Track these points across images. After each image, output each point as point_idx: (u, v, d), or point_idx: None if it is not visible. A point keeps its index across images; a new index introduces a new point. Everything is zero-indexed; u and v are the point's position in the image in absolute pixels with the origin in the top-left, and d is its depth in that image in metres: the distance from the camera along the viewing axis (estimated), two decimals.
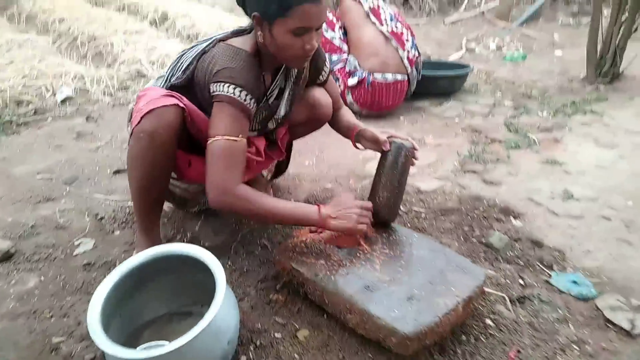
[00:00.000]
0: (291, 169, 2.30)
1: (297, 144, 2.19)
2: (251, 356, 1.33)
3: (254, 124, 1.65)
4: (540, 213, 2.05)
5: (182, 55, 1.58)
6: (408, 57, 2.93)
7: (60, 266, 1.70)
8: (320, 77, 1.74)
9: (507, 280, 1.65)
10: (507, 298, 1.55)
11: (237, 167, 1.39)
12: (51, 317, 1.47)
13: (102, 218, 1.98)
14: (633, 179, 2.32)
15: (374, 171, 1.93)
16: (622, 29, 3.48)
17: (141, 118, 1.39)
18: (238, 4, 1.45)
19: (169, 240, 1.83)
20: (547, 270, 1.70)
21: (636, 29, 3.52)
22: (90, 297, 1.51)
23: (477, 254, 1.79)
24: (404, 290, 1.34)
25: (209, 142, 1.38)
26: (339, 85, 2.98)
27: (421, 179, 2.31)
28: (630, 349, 1.40)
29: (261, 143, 1.73)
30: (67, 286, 1.61)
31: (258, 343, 1.37)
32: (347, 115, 1.86)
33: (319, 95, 1.77)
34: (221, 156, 1.36)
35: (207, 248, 1.70)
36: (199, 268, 1.28)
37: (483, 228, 1.94)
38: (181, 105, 1.42)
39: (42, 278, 1.64)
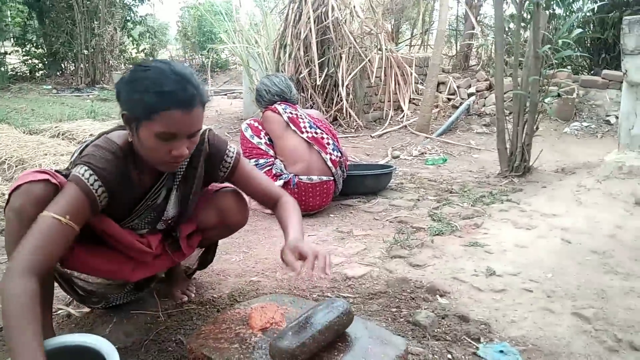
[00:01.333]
0: (216, 265, 2.24)
1: (223, 241, 2.16)
2: None
3: (143, 224, 1.60)
4: (465, 290, 2.06)
5: (73, 155, 1.57)
6: (331, 159, 3.07)
7: None
8: (221, 173, 1.64)
9: (435, 356, 1.60)
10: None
11: (45, 252, 1.23)
12: None
13: None
14: (551, 255, 2.41)
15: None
16: (525, 128, 3.84)
17: (9, 196, 1.32)
18: (117, 100, 1.42)
19: None
20: (475, 343, 1.67)
21: (537, 128, 3.90)
22: None
23: (405, 332, 1.74)
24: None
25: (40, 215, 1.26)
26: None
27: (349, 266, 2.29)
28: None
29: (155, 238, 1.65)
30: None
31: None
32: (285, 216, 1.66)
33: (230, 201, 1.74)
34: (39, 232, 1.23)
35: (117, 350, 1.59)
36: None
37: (410, 308, 1.91)
38: (53, 181, 1.34)
39: None
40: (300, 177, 2.97)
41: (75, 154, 1.52)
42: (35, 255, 1.21)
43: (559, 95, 5.52)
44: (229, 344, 1.37)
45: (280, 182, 2.96)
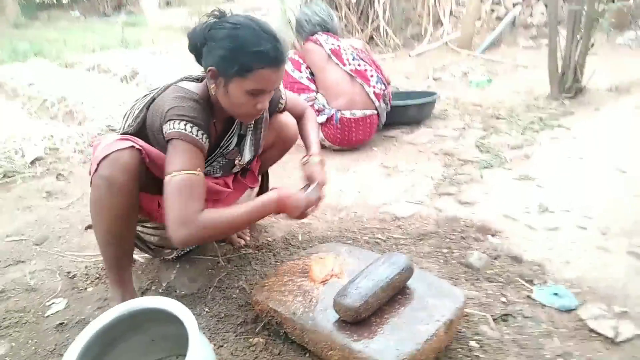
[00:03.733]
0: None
1: (273, 177, 2.19)
2: None
3: (215, 170, 1.64)
4: (517, 228, 2.05)
5: (134, 104, 1.59)
6: (374, 92, 2.98)
7: (31, 330, 1.64)
8: (278, 109, 1.77)
9: (489, 299, 1.63)
10: (489, 317, 1.53)
11: (197, 200, 1.33)
12: None
13: (74, 276, 1.92)
14: (605, 188, 2.35)
15: (348, 203, 1.94)
16: (579, 46, 3.60)
17: (98, 165, 1.38)
18: (190, 51, 1.46)
19: (144, 292, 1.79)
20: (529, 285, 1.69)
21: (592, 45, 3.65)
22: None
23: (458, 275, 1.77)
24: (384, 320, 1.31)
25: (166, 179, 1.34)
26: None
27: (397, 205, 2.31)
28: (617, 355, 1.38)
29: (229, 177, 1.73)
30: (39, 350, 1.54)
31: None
32: (308, 128, 1.85)
33: (284, 117, 1.80)
34: (180, 190, 1.31)
35: (183, 296, 1.70)
36: (170, 320, 1.24)
37: (462, 249, 1.93)
38: (137, 146, 1.40)
39: (13, 344, 1.58)
40: (343, 112, 2.92)
41: (140, 109, 1.51)
42: (195, 203, 1.31)
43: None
44: (293, 297, 1.43)
45: (323, 118, 2.93)
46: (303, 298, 1.42)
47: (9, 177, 2.95)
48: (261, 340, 1.48)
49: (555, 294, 1.63)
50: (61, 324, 1.65)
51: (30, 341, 1.58)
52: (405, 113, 3.37)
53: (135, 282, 1.81)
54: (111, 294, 1.58)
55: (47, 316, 1.70)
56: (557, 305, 1.59)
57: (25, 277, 1.92)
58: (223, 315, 1.61)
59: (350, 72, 2.95)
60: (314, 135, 1.82)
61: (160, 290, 1.78)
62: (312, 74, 3.05)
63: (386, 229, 2.11)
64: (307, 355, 1.40)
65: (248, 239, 2.07)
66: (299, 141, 1.91)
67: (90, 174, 1.43)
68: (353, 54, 3.00)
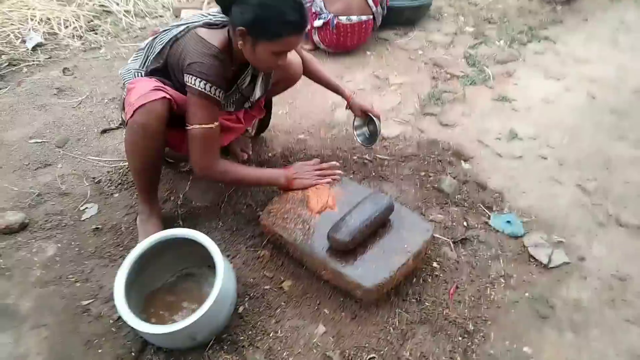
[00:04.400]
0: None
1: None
2: (247, 306, 1.67)
3: (229, 104, 1.84)
4: (487, 155, 2.35)
5: (155, 38, 1.74)
6: None
7: (72, 232, 1.96)
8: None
9: (454, 223, 1.99)
10: (450, 242, 1.89)
11: (213, 148, 1.68)
12: (76, 281, 1.76)
13: (99, 181, 2.20)
14: (573, 114, 2.61)
15: (341, 120, 2.20)
16: None
17: (134, 112, 1.59)
18: (217, 2, 1.57)
19: (164, 202, 2.09)
20: (488, 212, 2.04)
21: None
22: (105, 261, 1.84)
23: (430, 199, 2.10)
24: (366, 250, 1.66)
25: (188, 128, 1.61)
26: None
27: (386, 124, 2.55)
28: (545, 279, 1.78)
29: (241, 112, 1.94)
30: (82, 252, 1.88)
31: (251, 295, 1.70)
32: (325, 74, 2.15)
33: (290, 56, 1.93)
34: (199, 141, 1.63)
35: (199, 208, 2.00)
36: (193, 243, 1.58)
37: (437, 172, 2.24)
38: (167, 97, 1.61)
39: (59, 245, 1.91)
40: (340, 17, 2.97)
41: (163, 45, 1.67)
42: (210, 154, 1.67)
43: None
44: (294, 225, 1.75)
45: (320, 23, 2.99)
46: (302, 226, 1.74)
47: (14, 65, 3.04)
48: (267, 253, 1.84)
49: (508, 222, 1.99)
50: (97, 228, 1.97)
51: (72, 243, 1.92)
52: (401, 15, 3.41)
53: None
54: (141, 208, 1.89)
55: (83, 220, 2.01)
56: (507, 232, 1.95)
57: (56, 181, 2.19)
58: (234, 229, 1.95)
59: None
60: (333, 78, 2.17)
61: (178, 202, 2.08)
62: None
63: (373, 148, 2.38)
64: (304, 268, 1.77)
65: (250, 153, 2.32)
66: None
67: (125, 116, 1.64)
68: None
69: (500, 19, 3.59)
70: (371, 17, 3.08)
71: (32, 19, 3.34)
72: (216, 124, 1.64)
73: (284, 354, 1.53)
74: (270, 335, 1.58)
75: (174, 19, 3.56)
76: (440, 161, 2.31)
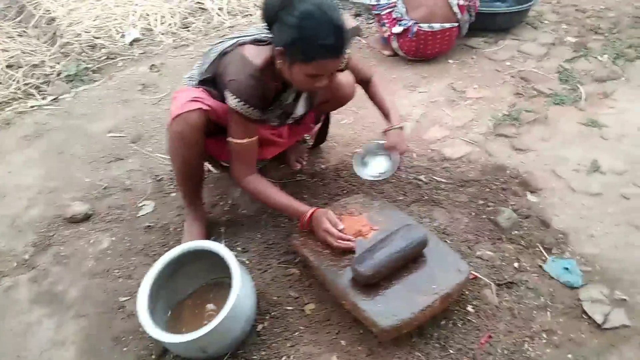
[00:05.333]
0: (330, 128, 2.47)
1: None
2: (266, 325, 1.67)
3: (272, 119, 1.84)
4: (558, 188, 2.11)
5: (209, 51, 1.79)
6: (458, 4, 2.82)
7: (127, 227, 2.10)
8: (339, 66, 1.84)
9: (503, 263, 1.82)
10: (493, 285, 1.73)
11: (246, 162, 1.74)
12: (119, 277, 1.89)
13: (161, 179, 2.33)
14: None
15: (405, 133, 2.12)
16: None
17: (172, 120, 1.68)
18: (263, 19, 1.55)
19: (214, 206, 2.16)
20: (546, 254, 1.84)
21: None
22: (149, 260, 1.93)
23: (483, 232, 1.94)
24: (391, 285, 1.58)
25: (228, 139, 1.68)
26: (385, 30, 2.97)
27: (451, 142, 2.39)
28: (596, 340, 1.57)
29: (285, 128, 1.94)
30: (132, 247, 2.01)
31: (273, 314, 1.70)
32: (381, 95, 2.00)
33: (341, 77, 1.88)
34: (234, 154, 1.71)
35: (244, 216, 2.03)
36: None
37: (498, 202, 2.06)
38: (204, 107, 1.67)
39: (114, 239, 2.05)
40: (421, 25, 2.83)
41: (215, 57, 1.71)
42: (243, 166, 1.74)
43: None
44: (322, 248, 1.72)
45: (399, 29, 2.87)
46: (330, 251, 1.70)
47: (112, 58, 3.32)
48: (297, 271, 1.83)
49: (566, 269, 1.78)
50: (149, 226, 2.09)
51: (125, 238, 2.05)
52: (493, 21, 3.17)
53: (207, 196, 2.19)
54: (186, 211, 1.97)
55: (139, 216, 2.15)
56: (563, 280, 1.75)
57: (123, 176, 2.35)
58: (271, 242, 1.95)
59: None
60: (390, 103, 1.99)
61: (225, 208, 2.14)
62: None
63: (432, 169, 2.25)
64: (329, 292, 1.73)
65: (304, 163, 2.31)
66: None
67: (167, 125, 1.72)
68: None
69: (610, 29, 3.19)
70: (456, 24, 2.90)
71: (133, 15, 3.60)
72: (249, 140, 1.68)
73: None
74: (283, 359, 1.57)
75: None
76: (504, 190, 2.12)
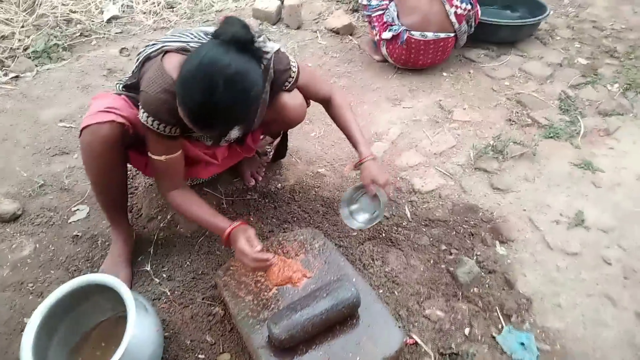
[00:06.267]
0: (296, 141, 2.26)
1: (311, 110, 2.08)
2: None
3: (205, 138, 1.63)
4: (532, 242, 1.87)
5: (141, 52, 1.57)
6: (456, 13, 2.53)
7: (54, 234, 1.92)
8: (284, 87, 1.62)
9: (453, 327, 1.61)
10: (435, 355, 1.52)
11: (170, 178, 1.54)
12: (31, 293, 1.71)
13: None
14: None
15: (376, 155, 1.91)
16: None
17: (81, 131, 1.49)
18: None
19: (150, 220, 1.96)
20: (503, 321, 1.62)
21: None
22: (67, 276, 1.75)
23: (438, 285, 1.73)
24: (311, 349, 1.38)
25: (149, 155, 1.50)
26: (375, 34, 2.70)
27: (424, 172, 2.16)
28: None
29: (220, 150, 1.73)
30: (54, 258, 1.83)
31: None
32: (346, 120, 1.73)
33: (285, 99, 1.65)
34: (154, 169, 1.53)
35: (178, 235, 1.84)
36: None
37: (462, 249, 1.84)
38: (118, 120, 1.48)
39: (37, 246, 1.88)
40: (412, 32, 2.56)
41: (141, 60, 1.53)
42: (166, 182, 1.55)
43: None
44: (245, 293, 1.52)
45: (389, 35, 2.61)
46: (253, 298, 1.50)
47: (85, 35, 3.10)
48: (220, 311, 1.64)
49: (522, 344, 1.56)
50: (77, 235, 1.91)
51: (50, 246, 1.88)
52: (496, 33, 2.88)
53: (146, 207, 2.00)
54: (111, 231, 1.79)
55: (70, 222, 1.97)
56: (515, 357, 1.53)
57: (63, 174, 2.17)
58: (200, 272, 1.76)
59: None
60: (356, 129, 1.71)
61: (162, 224, 1.94)
62: None
63: (396, 202, 2.02)
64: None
65: (260, 179, 2.10)
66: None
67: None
68: None
69: (627, 53, 2.88)
70: (452, 34, 2.62)
71: None
72: (169, 156, 1.49)
73: None
74: None
75: (252, 3, 3.38)
76: (471, 235, 1.89)
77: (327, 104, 1.77)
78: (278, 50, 1.55)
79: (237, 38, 1.21)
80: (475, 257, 1.81)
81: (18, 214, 1.99)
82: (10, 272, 1.79)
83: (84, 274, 1.76)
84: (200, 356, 1.53)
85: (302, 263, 1.59)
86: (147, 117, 1.39)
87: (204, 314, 1.64)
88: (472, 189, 2.08)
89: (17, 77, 2.73)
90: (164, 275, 1.77)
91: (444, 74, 2.78)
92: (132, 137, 1.54)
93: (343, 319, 1.42)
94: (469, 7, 2.56)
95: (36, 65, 2.81)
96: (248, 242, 1.43)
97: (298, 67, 1.63)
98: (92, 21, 3.17)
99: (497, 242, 1.87)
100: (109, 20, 3.20)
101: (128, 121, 1.50)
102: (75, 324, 1.52)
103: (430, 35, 2.56)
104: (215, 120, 1.24)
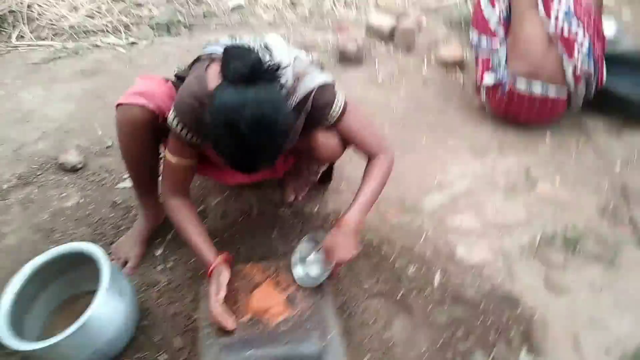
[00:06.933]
0: (351, 168, 2.11)
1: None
2: None
3: None
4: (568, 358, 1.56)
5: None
6: (575, 72, 2.19)
7: (100, 194, 2.05)
8: (324, 123, 1.52)
9: None
10: None
11: (173, 182, 1.52)
12: (54, 243, 1.83)
13: None
14: None
15: (426, 209, 1.94)
16: None
17: (116, 106, 1.55)
18: None
19: None
20: None
21: None
22: (94, 235, 1.87)
23: None
24: None
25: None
26: (477, 76, 2.45)
27: (474, 242, 1.91)
28: None
29: None
30: (89, 217, 1.96)
31: (141, 355, 1.52)
32: (366, 180, 1.55)
33: (320, 136, 1.55)
34: (165, 168, 1.52)
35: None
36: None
37: (479, 343, 1.60)
38: (149, 106, 1.51)
39: (81, 201, 2.02)
40: (518, 82, 2.26)
41: (191, 63, 1.56)
42: (169, 184, 1.53)
43: None
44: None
45: (490, 81, 2.35)
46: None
47: (207, 18, 3.27)
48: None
49: None
50: (115, 202, 2.01)
51: (91, 205, 2.00)
52: (625, 107, 2.46)
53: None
54: (138, 204, 1.86)
55: (116, 188, 2.07)
56: None
57: None
58: (200, 273, 1.73)
59: (552, 34, 2.19)
60: (366, 192, 1.52)
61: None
62: (509, 16, 2.35)
63: (428, 266, 1.81)
64: None
65: (300, 198, 2.03)
66: None
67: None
68: (568, 9, 2.16)
69: None
70: (565, 95, 2.29)
71: None
72: (181, 160, 1.47)
73: None
74: None
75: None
76: (498, 331, 1.63)
77: (369, 158, 1.60)
78: (324, 85, 1.45)
79: (239, 73, 1.17)
80: (491, 357, 1.56)
81: (79, 167, 2.15)
82: (47, 218, 1.94)
83: (105, 239, 1.86)
84: (164, 356, 1.52)
85: (288, 298, 1.49)
86: (174, 117, 1.39)
87: (184, 316, 1.63)
88: (522, 278, 1.79)
89: (134, 43, 2.96)
90: (168, 266, 1.78)
91: (547, 136, 2.44)
92: (163, 125, 1.54)
93: None
94: (590, 70, 2.21)
95: (154, 36, 3.02)
96: (215, 292, 1.39)
97: (344, 107, 1.50)
98: (219, 6, 3.32)
99: (525, 349, 1.59)
100: (233, 9, 3.33)
101: (159, 110, 1.52)
102: (60, 291, 1.60)
103: (538, 90, 2.25)
104: (258, 162, 1.24)
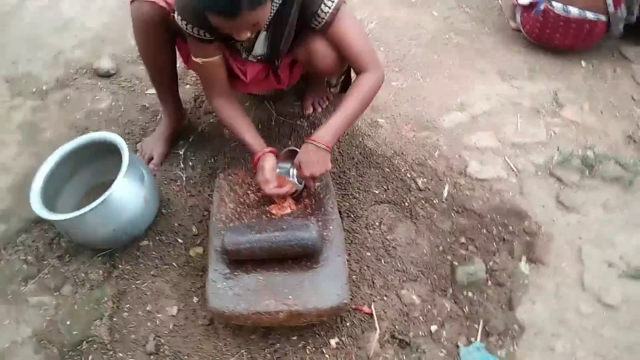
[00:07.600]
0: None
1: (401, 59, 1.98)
2: (150, 245, 1.64)
3: (237, 50, 1.62)
4: (567, 273, 1.59)
5: None
6: None
7: (130, 98, 2.16)
8: (313, 25, 1.50)
9: (421, 318, 1.50)
10: (378, 333, 1.43)
11: (211, 83, 1.59)
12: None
13: None
14: None
15: (445, 126, 1.95)
16: None
17: (130, 3, 1.57)
18: None
19: (206, 113, 2.07)
20: (479, 337, 1.46)
21: None
22: (123, 135, 1.97)
23: (431, 273, 1.60)
24: (253, 272, 1.39)
25: None
26: None
27: (489, 158, 1.91)
28: None
29: (253, 68, 1.66)
30: (119, 118, 2.08)
31: (160, 238, 1.65)
32: (346, 98, 1.54)
33: (315, 44, 1.55)
34: (199, 75, 1.60)
35: (220, 133, 1.94)
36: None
37: (481, 250, 1.65)
38: (160, 3, 1.52)
39: (113, 103, 2.14)
40: (554, 3, 2.17)
41: None
42: (207, 87, 1.64)
43: None
44: (230, 200, 1.58)
45: (526, 1, 2.26)
46: (234, 207, 1.56)
47: None
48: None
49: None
50: (144, 106, 2.12)
51: (122, 107, 2.12)
52: None
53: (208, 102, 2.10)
54: (160, 107, 1.95)
55: (146, 94, 2.17)
56: None
57: None
58: (219, 171, 1.81)
59: None
60: (341, 113, 1.51)
61: (212, 119, 2.04)
62: None
63: (439, 178, 1.84)
64: None
65: (319, 110, 2.04)
66: None
67: None
68: None
69: None
70: (604, 18, 2.17)
71: None
72: (205, 60, 1.51)
73: None
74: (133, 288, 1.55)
75: None
76: (502, 241, 1.67)
77: (358, 73, 1.58)
78: None
79: None
80: (490, 264, 1.60)
81: (112, 72, 2.25)
82: (81, 118, 2.08)
83: (133, 138, 1.98)
84: (179, 240, 1.65)
85: (292, 199, 1.57)
86: (177, 15, 1.43)
87: (202, 208, 1.74)
88: (532, 195, 1.80)
89: None
90: (190, 163, 1.89)
91: (583, 62, 2.34)
92: (175, 23, 1.54)
93: (295, 255, 1.40)
94: None
95: None
96: (265, 177, 1.50)
97: (339, 4, 1.46)
98: None
99: (525, 258, 1.62)
100: None
101: (170, 7, 1.53)
102: (90, 178, 1.75)
103: (574, 11, 2.15)
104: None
